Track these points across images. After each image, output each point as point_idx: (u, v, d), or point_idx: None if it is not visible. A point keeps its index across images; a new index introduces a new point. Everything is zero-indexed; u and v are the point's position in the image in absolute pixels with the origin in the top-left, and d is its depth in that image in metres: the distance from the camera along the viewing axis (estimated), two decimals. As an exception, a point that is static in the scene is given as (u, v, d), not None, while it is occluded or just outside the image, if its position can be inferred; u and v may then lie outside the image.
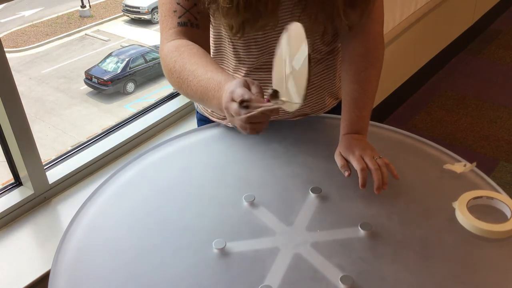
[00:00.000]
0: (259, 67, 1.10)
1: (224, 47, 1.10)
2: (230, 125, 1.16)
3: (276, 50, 0.85)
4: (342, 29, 1.08)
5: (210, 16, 1.02)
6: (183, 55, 0.96)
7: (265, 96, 0.82)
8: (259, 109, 0.78)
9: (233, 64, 1.11)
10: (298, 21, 0.87)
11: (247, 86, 0.82)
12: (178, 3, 0.98)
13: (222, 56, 1.12)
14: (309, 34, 1.01)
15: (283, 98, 0.81)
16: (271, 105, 0.79)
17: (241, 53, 1.08)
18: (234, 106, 0.80)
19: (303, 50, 0.77)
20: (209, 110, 1.21)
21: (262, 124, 0.82)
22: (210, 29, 1.06)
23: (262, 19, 0.97)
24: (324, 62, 1.14)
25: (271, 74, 0.88)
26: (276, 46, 0.86)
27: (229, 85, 0.84)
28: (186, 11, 0.98)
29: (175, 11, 0.99)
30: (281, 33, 0.84)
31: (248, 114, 0.79)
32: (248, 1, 0.93)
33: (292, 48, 0.80)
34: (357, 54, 1.08)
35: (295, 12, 1.01)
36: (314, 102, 1.17)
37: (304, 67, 0.76)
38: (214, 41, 1.11)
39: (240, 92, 0.80)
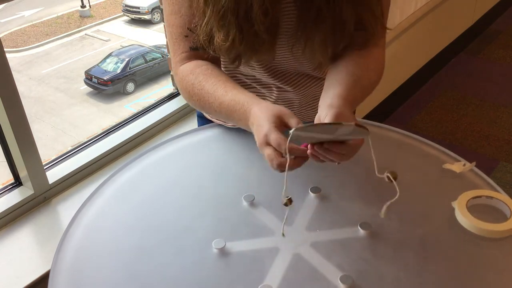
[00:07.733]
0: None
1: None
2: (230, 125, 1.16)
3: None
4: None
5: None
6: (199, 78, 0.97)
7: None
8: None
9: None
10: (293, 54, 0.91)
11: (282, 123, 0.82)
12: (189, 29, 0.98)
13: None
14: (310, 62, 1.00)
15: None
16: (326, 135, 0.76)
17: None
18: (269, 151, 0.80)
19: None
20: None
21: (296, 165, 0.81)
22: None
23: (258, 54, 0.96)
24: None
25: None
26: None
27: (261, 120, 0.83)
28: (197, 37, 0.97)
29: (186, 36, 0.99)
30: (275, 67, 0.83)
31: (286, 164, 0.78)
32: (244, 38, 0.91)
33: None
34: (354, 63, 0.97)
35: (294, 48, 0.98)
36: (312, 115, 1.15)
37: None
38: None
39: (276, 140, 0.79)
